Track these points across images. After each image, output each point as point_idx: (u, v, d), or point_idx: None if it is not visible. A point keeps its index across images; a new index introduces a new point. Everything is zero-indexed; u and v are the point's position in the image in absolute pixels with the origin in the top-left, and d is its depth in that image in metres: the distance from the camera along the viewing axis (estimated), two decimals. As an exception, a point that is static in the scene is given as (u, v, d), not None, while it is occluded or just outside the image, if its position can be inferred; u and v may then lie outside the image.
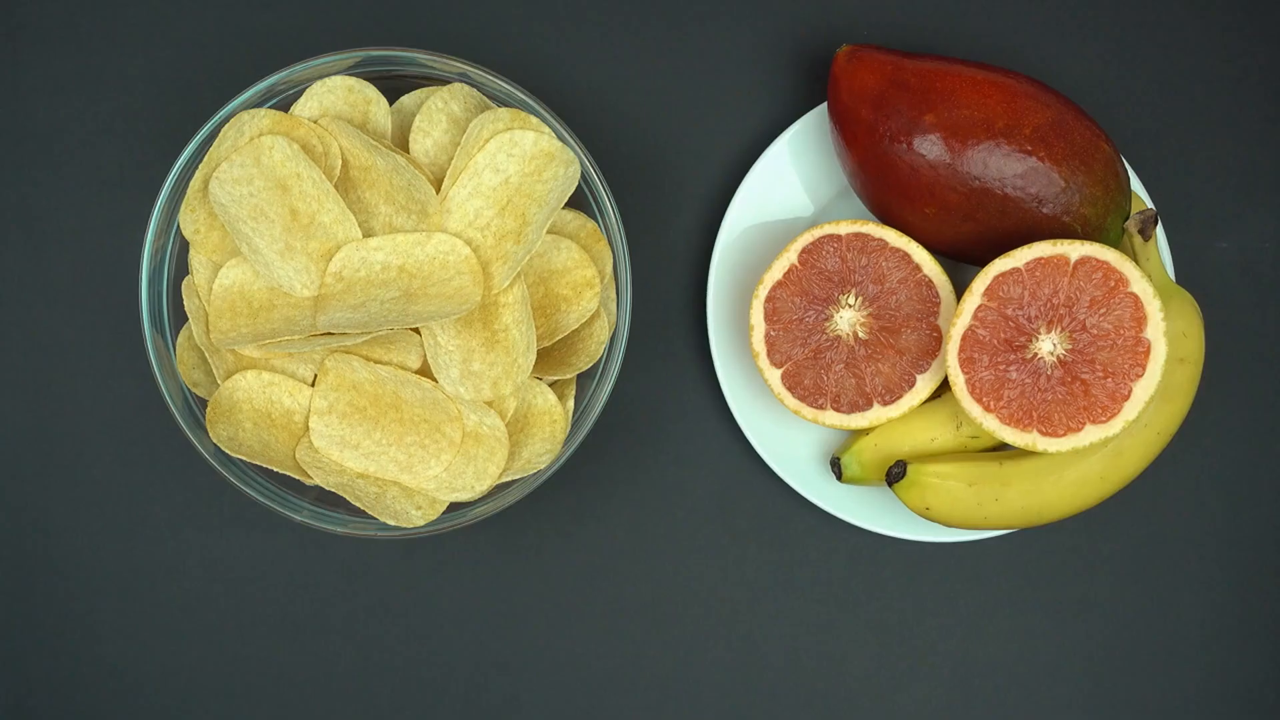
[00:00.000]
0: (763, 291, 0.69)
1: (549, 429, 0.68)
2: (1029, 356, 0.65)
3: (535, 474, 0.68)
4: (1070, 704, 0.75)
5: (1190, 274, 0.76)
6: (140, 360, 0.75)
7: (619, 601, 0.75)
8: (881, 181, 0.68)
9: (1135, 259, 0.69)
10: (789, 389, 0.69)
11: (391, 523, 0.66)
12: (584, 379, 0.70)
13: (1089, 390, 0.65)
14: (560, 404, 0.68)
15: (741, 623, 0.75)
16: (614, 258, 0.69)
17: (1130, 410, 0.65)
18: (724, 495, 0.75)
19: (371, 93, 0.68)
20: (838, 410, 0.69)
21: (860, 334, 0.68)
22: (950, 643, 0.75)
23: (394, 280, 0.66)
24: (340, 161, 0.67)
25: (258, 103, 0.67)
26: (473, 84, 0.68)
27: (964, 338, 0.66)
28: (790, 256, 0.68)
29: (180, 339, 0.68)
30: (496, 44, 0.75)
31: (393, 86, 0.70)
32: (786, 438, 0.73)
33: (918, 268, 0.68)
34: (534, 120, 0.67)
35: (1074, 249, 0.64)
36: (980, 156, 0.66)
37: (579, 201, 0.70)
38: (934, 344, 0.68)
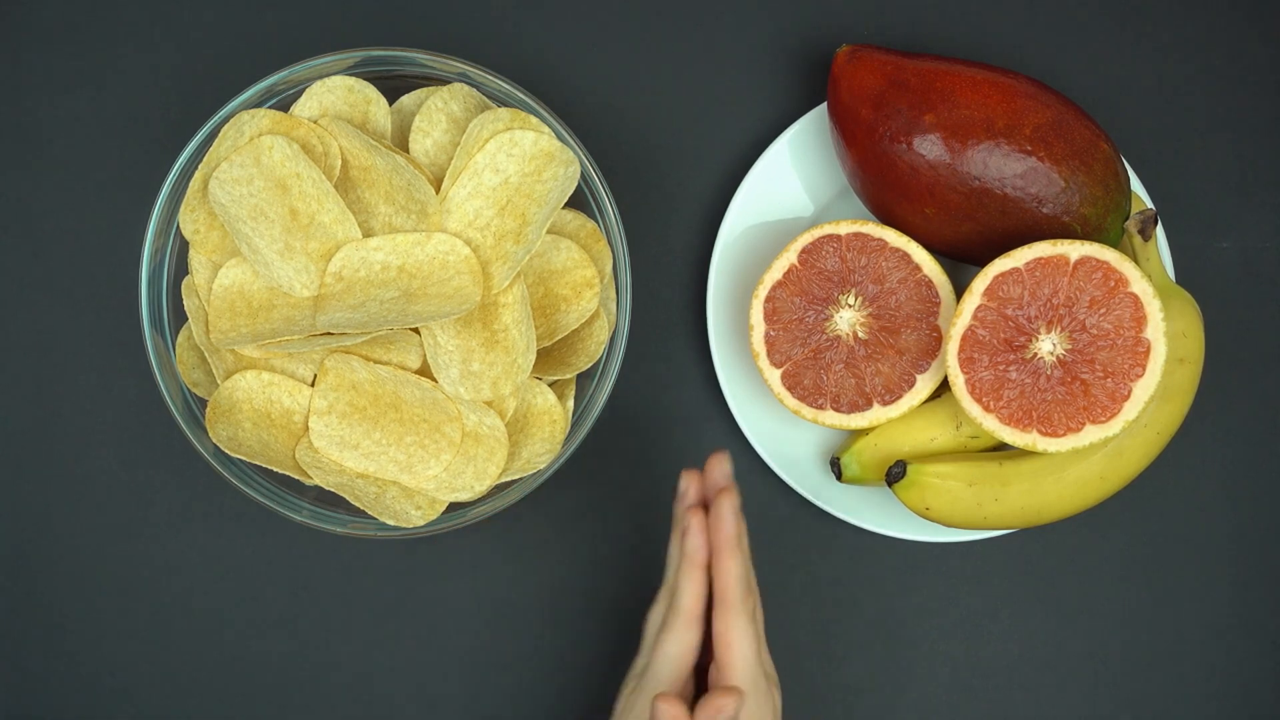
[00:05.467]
0: (763, 291, 0.69)
1: (549, 429, 0.68)
2: (1029, 356, 0.65)
3: (535, 474, 0.68)
4: (1070, 704, 0.75)
5: (1190, 274, 0.76)
6: (140, 360, 0.75)
7: (619, 601, 0.75)
8: (881, 181, 0.68)
9: (1135, 259, 0.69)
10: (789, 389, 0.69)
11: (391, 523, 0.66)
12: (584, 379, 0.70)
13: (1089, 390, 0.65)
14: (560, 404, 0.68)
15: (741, 623, 0.75)
16: (614, 258, 0.69)
17: (1130, 410, 0.65)
18: (724, 495, 0.75)
19: (371, 93, 0.68)
20: (838, 410, 0.69)
21: (860, 334, 0.68)
22: (950, 643, 0.75)
23: (394, 280, 0.66)
24: (340, 161, 0.67)
25: (258, 103, 0.67)
26: (473, 84, 0.68)
27: (964, 338, 0.66)
28: (790, 256, 0.68)
29: (180, 339, 0.68)
30: (496, 44, 0.75)
31: (393, 86, 0.70)
32: (786, 438, 0.73)
33: (918, 268, 0.68)
34: (534, 120, 0.67)
35: (1074, 249, 0.64)
36: (980, 156, 0.66)
37: (579, 201, 0.70)
38: (934, 344, 0.68)
